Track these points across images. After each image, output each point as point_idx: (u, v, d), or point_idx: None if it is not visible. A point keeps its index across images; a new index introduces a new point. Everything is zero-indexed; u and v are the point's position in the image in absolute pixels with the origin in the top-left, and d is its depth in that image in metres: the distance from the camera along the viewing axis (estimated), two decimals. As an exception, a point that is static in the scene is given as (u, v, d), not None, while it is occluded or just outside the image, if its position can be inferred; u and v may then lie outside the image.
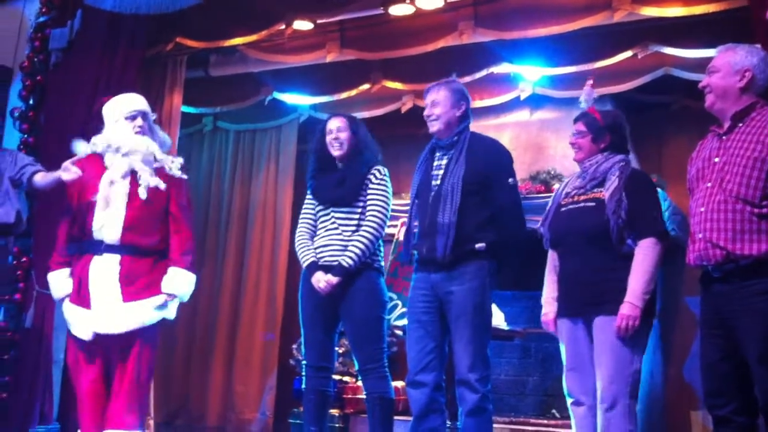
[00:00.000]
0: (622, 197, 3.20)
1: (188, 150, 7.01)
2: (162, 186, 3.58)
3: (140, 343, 3.48)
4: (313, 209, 4.00)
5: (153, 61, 5.89)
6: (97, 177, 3.57)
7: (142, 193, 3.54)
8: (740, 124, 2.89)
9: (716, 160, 2.89)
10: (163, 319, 3.59)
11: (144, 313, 3.47)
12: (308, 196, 4.07)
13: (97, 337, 3.44)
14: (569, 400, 3.36)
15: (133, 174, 3.56)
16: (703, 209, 2.87)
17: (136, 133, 3.65)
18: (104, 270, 3.48)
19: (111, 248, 3.50)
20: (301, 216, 4.07)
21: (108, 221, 3.50)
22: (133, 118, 3.68)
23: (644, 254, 3.16)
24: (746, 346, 2.71)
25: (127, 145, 3.58)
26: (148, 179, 3.56)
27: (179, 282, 3.58)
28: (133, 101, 3.75)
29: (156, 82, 5.92)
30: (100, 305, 3.44)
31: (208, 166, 7.17)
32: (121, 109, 3.70)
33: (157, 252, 3.59)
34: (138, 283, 3.48)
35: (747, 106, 2.89)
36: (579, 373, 3.31)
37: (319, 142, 4.03)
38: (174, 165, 3.70)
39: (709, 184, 2.87)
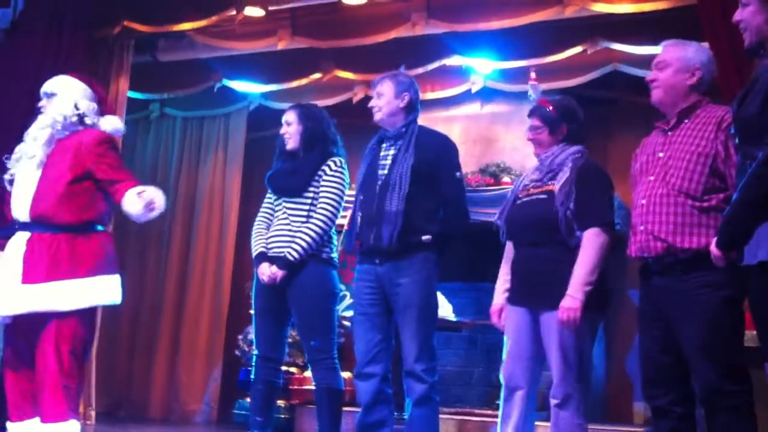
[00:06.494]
0: (572, 189, 3.18)
1: (134, 136, 6.89)
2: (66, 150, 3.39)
3: (56, 327, 3.25)
4: (272, 199, 3.97)
5: (99, 44, 5.77)
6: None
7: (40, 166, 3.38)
8: (686, 121, 2.91)
9: (660, 154, 2.91)
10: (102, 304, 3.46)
11: (45, 297, 3.26)
12: None
13: (12, 319, 3.30)
14: (503, 388, 3.33)
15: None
16: (644, 201, 2.89)
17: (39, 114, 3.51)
18: (13, 249, 3.36)
19: (23, 226, 3.39)
20: (261, 206, 4.04)
21: (19, 199, 3.42)
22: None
23: (586, 245, 3.14)
24: (685, 338, 2.74)
25: (31, 131, 3.45)
26: (46, 150, 3.40)
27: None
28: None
29: (102, 66, 5.80)
30: (3, 286, 3.31)
31: (154, 153, 7.05)
32: None
33: (70, 229, 3.38)
34: (40, 263, 3.30)
35: (693, 104, 2.92)
36: (516, 362, 3.28)
37: (280, 133, 4.00)
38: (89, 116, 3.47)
39: (652, 178, 2.89)
